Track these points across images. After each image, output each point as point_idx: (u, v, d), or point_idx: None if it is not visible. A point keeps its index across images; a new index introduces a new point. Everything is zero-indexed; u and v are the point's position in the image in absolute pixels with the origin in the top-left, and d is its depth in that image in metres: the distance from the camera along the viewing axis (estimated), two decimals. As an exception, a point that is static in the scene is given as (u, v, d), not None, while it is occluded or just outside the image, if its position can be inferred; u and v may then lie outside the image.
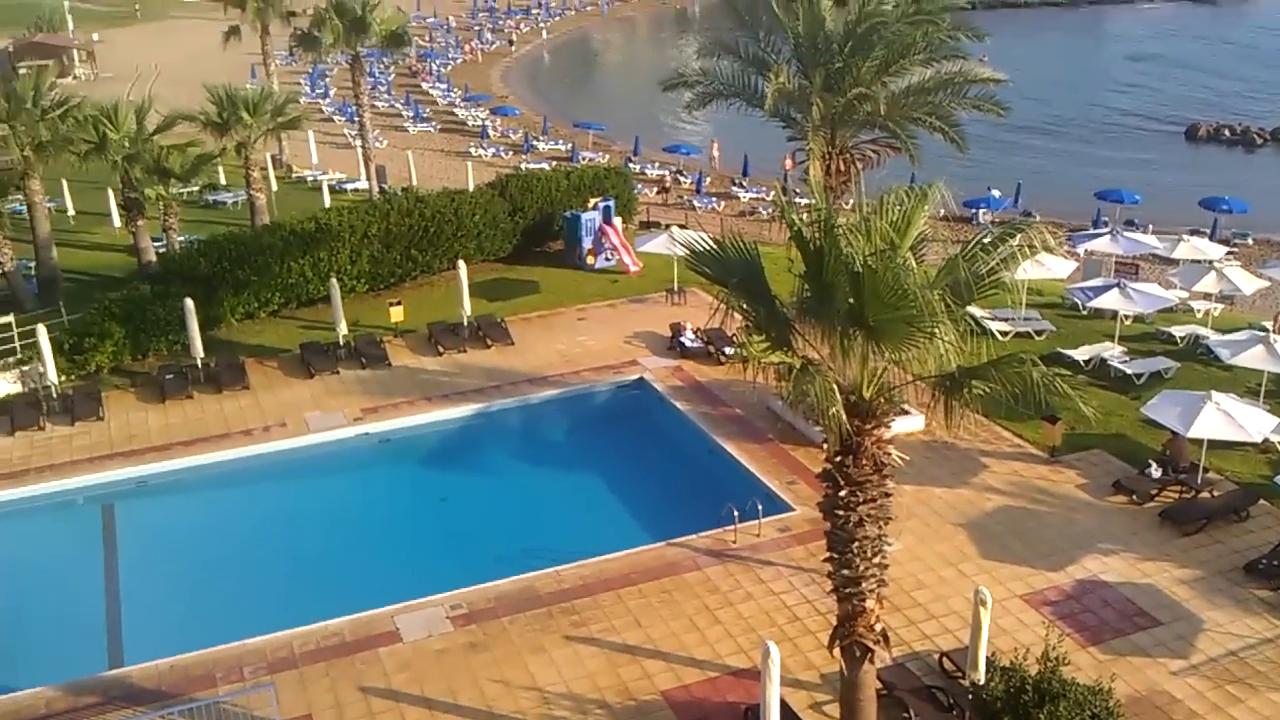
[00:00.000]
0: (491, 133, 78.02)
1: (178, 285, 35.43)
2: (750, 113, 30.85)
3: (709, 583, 23.28)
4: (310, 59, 65.22)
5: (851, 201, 26.57)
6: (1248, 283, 35.63)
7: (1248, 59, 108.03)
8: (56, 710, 20.21)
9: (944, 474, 27.26)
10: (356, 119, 54.61)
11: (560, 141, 75.52)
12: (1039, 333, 35.69)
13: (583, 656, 21.16)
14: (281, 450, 30.21)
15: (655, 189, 61.81)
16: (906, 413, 28.24)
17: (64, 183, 51.31)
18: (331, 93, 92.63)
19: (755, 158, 62.99)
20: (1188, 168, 71.39)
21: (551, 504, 28.19)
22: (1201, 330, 35.22)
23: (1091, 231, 44.49)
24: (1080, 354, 33.38)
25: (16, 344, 34.22)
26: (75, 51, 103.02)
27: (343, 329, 35.44)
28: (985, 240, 16.26)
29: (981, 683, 19.04)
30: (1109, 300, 33.30)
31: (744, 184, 62.55)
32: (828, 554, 17.21)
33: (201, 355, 33.86)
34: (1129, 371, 32.23)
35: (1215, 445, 26.24)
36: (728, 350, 32.92)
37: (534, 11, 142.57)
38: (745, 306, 16.44)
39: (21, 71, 41.90)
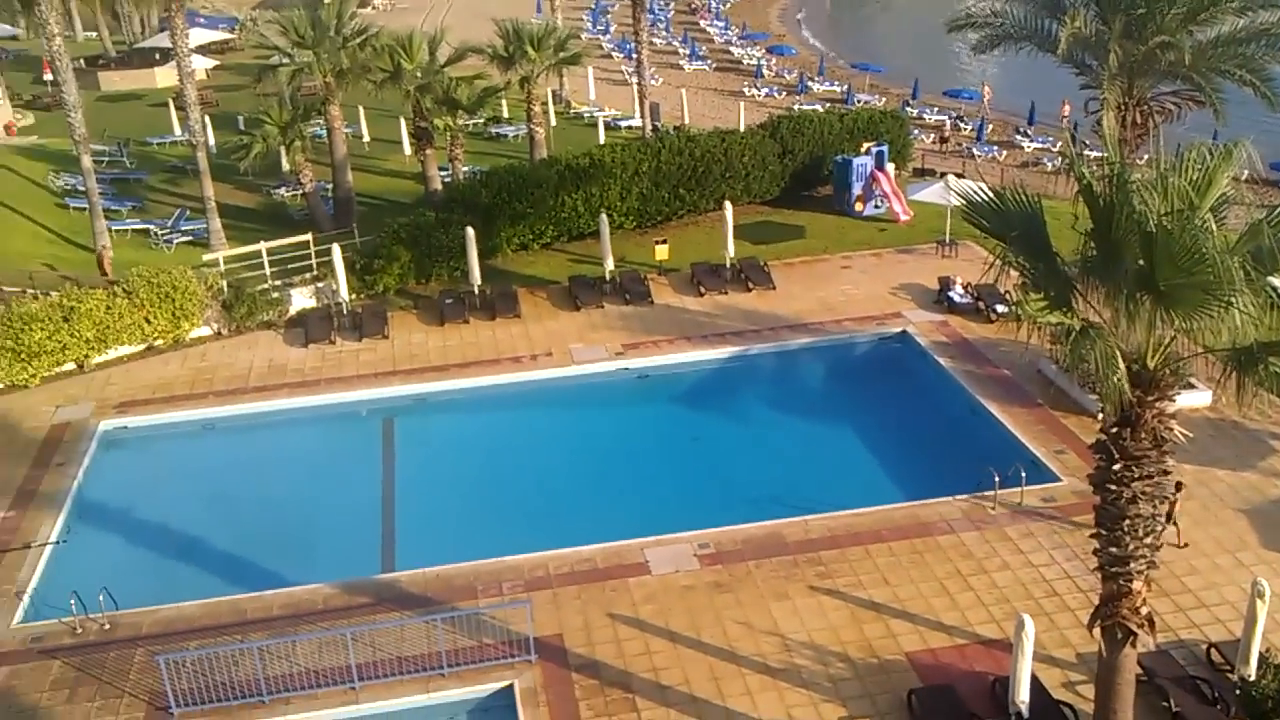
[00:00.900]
0: (766, 72, 77.25)
1: (460, 214, 36.99)
2: (1040, 58, 29.32)
3: (963, 547, 22.67)
4: (593, -5, 66.34)
5: (1147, 156, 24.87)
6: None
7: None
8: (333, 606, 21.82)
9: (1229, 455, 25.44)
10: (635, 56, 55.20)
11: (836, 83, 74.00)
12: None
13: (826, 608, 21.08)
14: (546, 379, 31.31)
15: (933, 136, 59.80)
16: (1193, 387, 26.46)
17: (361, 110, 54.22)
18: (611, 29, 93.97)
19: (1043, 105, 59.90)
20: None
21: (803, 452, 28.08)
22: None
23: None
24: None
25: (313, 261, 36.66)
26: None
27: (609, 264, 36.20)
28: (1296, 205, 14.88)
29: (1252, 679, 17.82)
30: None
31: (1028, 133, 59.58)
32: (1095, 530, 16.38)
33: (479, 283, 35.36)
34: None
35: None
36: (999, 308, 31.70)
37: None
38: (1023, 262, 15.68)
39: (326, 0, 44.39)
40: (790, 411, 30.50)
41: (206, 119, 48.50)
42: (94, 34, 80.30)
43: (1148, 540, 15.98)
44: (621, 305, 34.97)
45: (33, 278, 33.96)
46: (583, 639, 20.60)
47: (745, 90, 71.90)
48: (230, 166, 45.10)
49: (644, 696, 19.20)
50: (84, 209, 41.63)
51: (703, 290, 35.67)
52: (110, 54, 75.54)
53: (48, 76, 63.43)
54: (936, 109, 65.38)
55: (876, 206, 41.97)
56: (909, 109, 62.65)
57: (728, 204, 37.09)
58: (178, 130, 55.20)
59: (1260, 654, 18.16)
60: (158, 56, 70.26)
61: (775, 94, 71.52)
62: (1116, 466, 15.60)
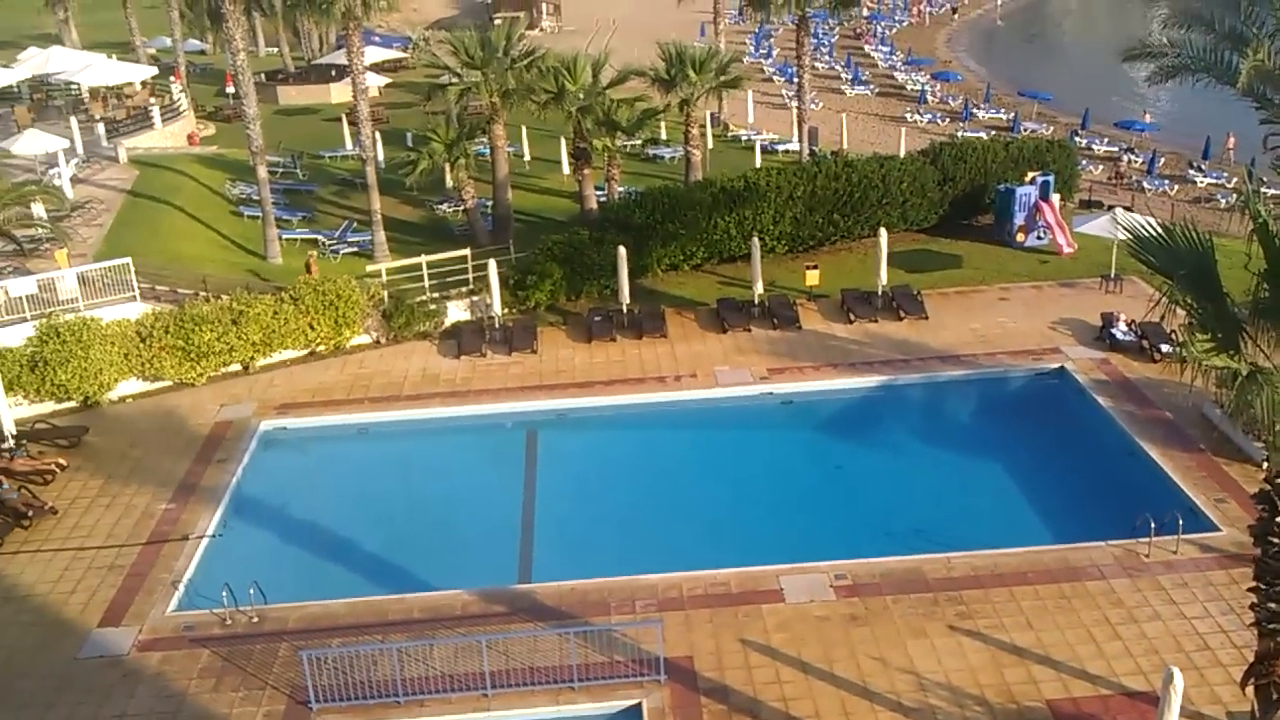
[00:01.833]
0: (930, 98, 76.14)
1: (613, 233, 37.39)
2: (1217, 90, 28.09)
3: (1113, 594, 21.79)
4: (759, 19, 66.45)
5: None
6: None
7: None
8: (470, 613, 22.23)
9: None
10: (796, 80, 55.06)
11: (1002, 110, 72.45)
12: None
13: (966, 649, 20.51)
14: (690, 400, 31.34)
15: (1103, 168, 57.97)
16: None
17: (523, 129, 55.33)
18: (774, 53, 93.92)
19: (1219, 139, 57.52)
20: None
21: (948, 487, 27.42)
22: None
23: None
24: None
25: (470, 275, 37.56)
26: (544, 4, 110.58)
27: (759, 288, 36.08)
28: None
29: None
30: None
31: (1202, 167, 57.25)
32: (1254, 583, 15.59)
33: (628, 301, 35.67)
34: None
35: None
36: (1164, 347, 30.45)
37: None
38: (1191, 302, 15.10)
39: (496, 21, 45.60)
40: (937, 444, 29.86)
41: (377, 135, 50.22)
42: (275, 50, 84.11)
43: (1313, 600, 15.14)
44: (769, 329, 34.81)
45: (206, 281, 35.66)
46: (713, 663, 20.50)
47: (907, 116, 71.01)
48: (397, 181, 46.61)
49: (772, 726, 19.00)
50: (257, 217, 43.62)
51: (852, 317, 35.23)
52: (289, 69, 79.01)
53: (230, 90, 66.72)
54: (1106, 140, 63.42)
55: (1039, 238, 40.81)
56: (1077, 139, 60.96)
57: (883, 231, 36.58)
58: (349, 145, 57.34)
59: None
60: (334, 73, 73.18)
61: (938, 120, 70.41)
62: (1281, 520, 14.84)
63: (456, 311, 36.49)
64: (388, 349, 34.83)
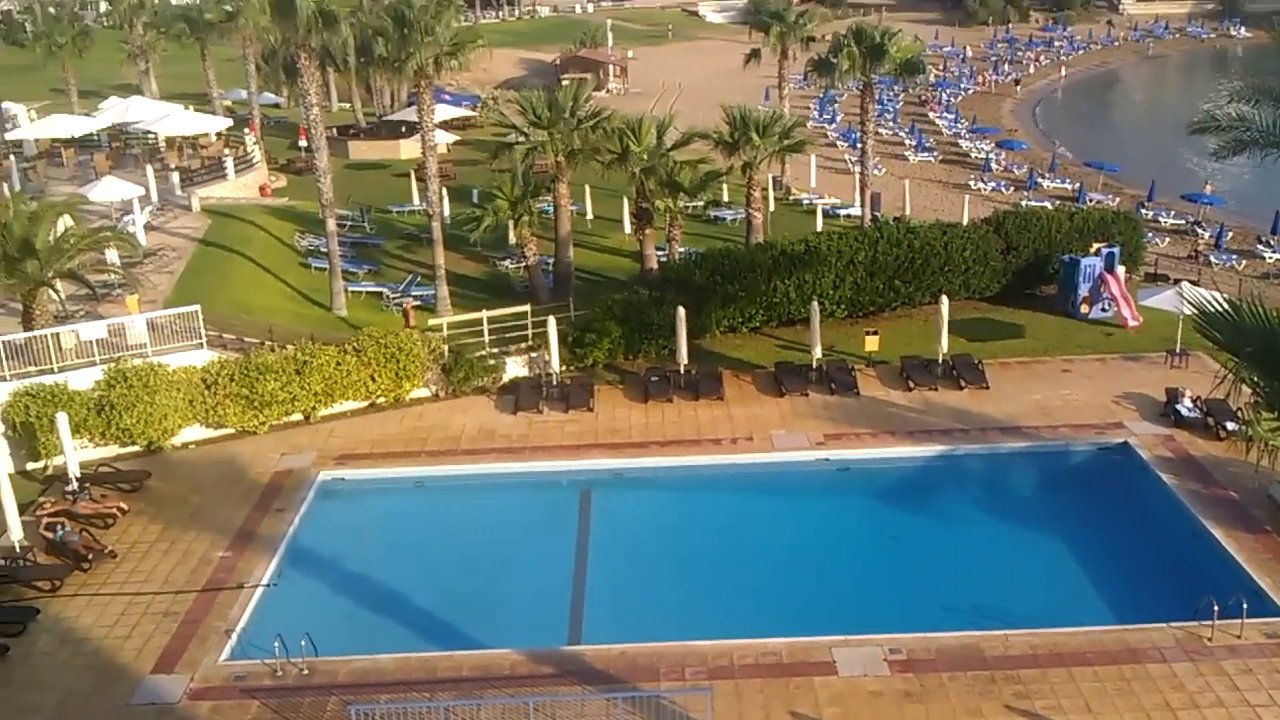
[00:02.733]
0: (994, 166, 75.91)
1: (673, 293, 37.51)
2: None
3: (1174, 679, 21.21)
4: (823, 84, 66.69)
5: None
6: None
7: None
8: (519, 674, 22.12)
9: None
10: (859, 145, 55.20)
11: (1067, 180, 72.03)
12: None
13: (1022, 730, 20.06)
14: (745, 463, 31.19)
15: (1169, 240, 57.32)
16: None
17: (586, 188, 55.96)
18: (838, 118, 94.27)
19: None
20: None
21: (1007, 562, 26.97)
22: None
23: None
24: None
25: (529, 331, 37.83)
26: (611, 66, 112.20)
27: (817, 352, 35.96)
28: None
29: None
30: None
31: (1271, 242, 56.41)
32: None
33: (685, 362, 35.70)
34: None
35: None
36: (1230, 425, 29.83)
37: (1056, 44, 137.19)
38: (1257, 379, 14.82)
39: (564, 82, 46.33)
40: (996, 518, 29.43)
41: (444, 191, 50.98)
42: (348, 105, 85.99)
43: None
44: (826, 394, 34.62)
45: (272, 331, 36.25)
46: (762, 734, 20.20)
47: (971, 183, 70.81)
48: (461, 237, 47.27)
49: (820, 802, 18.65)
50: (324, 269, 44.39)
51: (912, 385, 34.95)
52: (361, 124, 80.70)
53: (303, 143, 68.20)
54: (1173, 212, 62.76)
55: (1103, 310, 40.34)
56: (1143, 211, 60.38)
57: (944, 298, 36.38)
58: (416, 200, 58.30)
59: None
60: (404, 129, 74.55)
61: (1003, 188, 70.14)
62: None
63: (515, 367, 36.72)
64: (446, 403, 35.10)
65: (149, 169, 54.57)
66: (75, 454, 30.00)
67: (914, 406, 33.77)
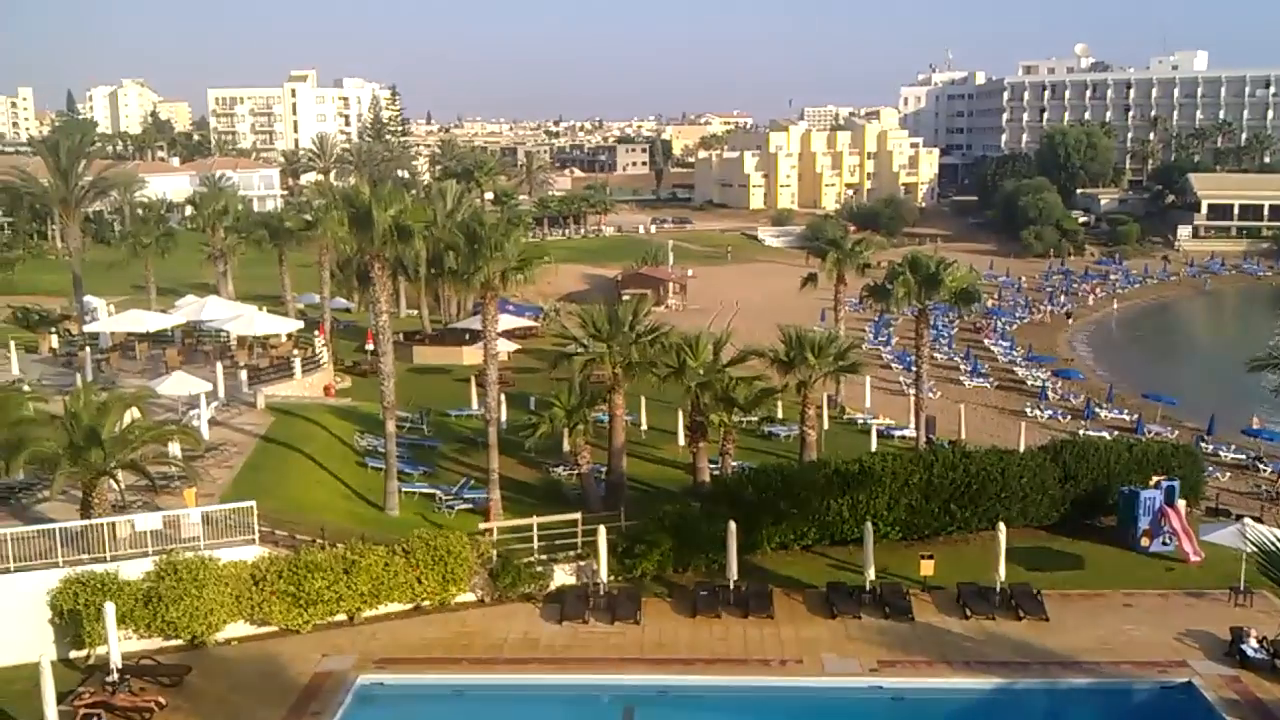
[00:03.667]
0: (1051, 394, 75.93)
1: (724, 508, 37.30)
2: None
3: None
4: (878, 308, 68.07)
5: None
6: None
7: None
8: None
9: None
10: (914, 368, 55.66)
11: (1125, 411, 71.77)
12: None
13: None
14: (794, 687, 30.25)
15: (1230, 475, 56.44)
16: None
17: (642, 399, 56.54)
18: (893, 341, 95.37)
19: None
20: None
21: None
22: None
23: None
24: None
25: (579, 539, 37.62)
26: (671, 284, 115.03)
27: (870, 574, 35.31)
28: None
29: None
30: None
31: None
32: None
33: (735, 578, 35.17)
34: None
35: None
36: (1300, 669, 28.65)
37: (1112, 277, 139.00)
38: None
39: (624, 297, 47.65)
40: (1056, 757, 28.14)
41: (502, 397, 51.77)
42: (415, 311, 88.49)
43: None
44: (880, 618, 33.78)
45: (324, 529, 36.37)
46: None
47: (1027, 410, 70.76)
48: (517, 443, 47.71)
49: None
50: (380, 469, 44.76)
51: (969, 613, 34.06)
52: (426, 330, 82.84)
53: (369, 346, 69.91)
54: (1234, 446, 62.00)
55: (1164, 544, 39.44)
56: (1203, 444, 59.73)
57: (1001, 525, 35.80)
58: (475, 405, 59.20)
59: None
60: (467, 336, 76.38)
61: (1059, 417, 69.98)
62: None
63: (562, 575, 36.38)
64: (491, 608, 34.70)
65: (218, 365, 56.01)
66: (119, 644, 29.80)
67: (971, 635, 32.81)
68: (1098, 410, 70.99)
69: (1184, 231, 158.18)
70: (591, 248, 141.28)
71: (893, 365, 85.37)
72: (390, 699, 30.17)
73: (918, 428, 53.81)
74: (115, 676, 28.83)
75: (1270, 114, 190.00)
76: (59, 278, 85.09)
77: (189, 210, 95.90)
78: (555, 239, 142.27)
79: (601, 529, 35.72)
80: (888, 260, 60.90)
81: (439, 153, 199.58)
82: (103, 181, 73.75)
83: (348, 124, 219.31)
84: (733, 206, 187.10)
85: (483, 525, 39.22)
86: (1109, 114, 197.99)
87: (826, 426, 56.71)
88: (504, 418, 51.88)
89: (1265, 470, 57.92)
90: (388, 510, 42.51)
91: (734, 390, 44.15)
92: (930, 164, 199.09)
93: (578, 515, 38.62)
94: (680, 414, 52.65)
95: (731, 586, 35.14)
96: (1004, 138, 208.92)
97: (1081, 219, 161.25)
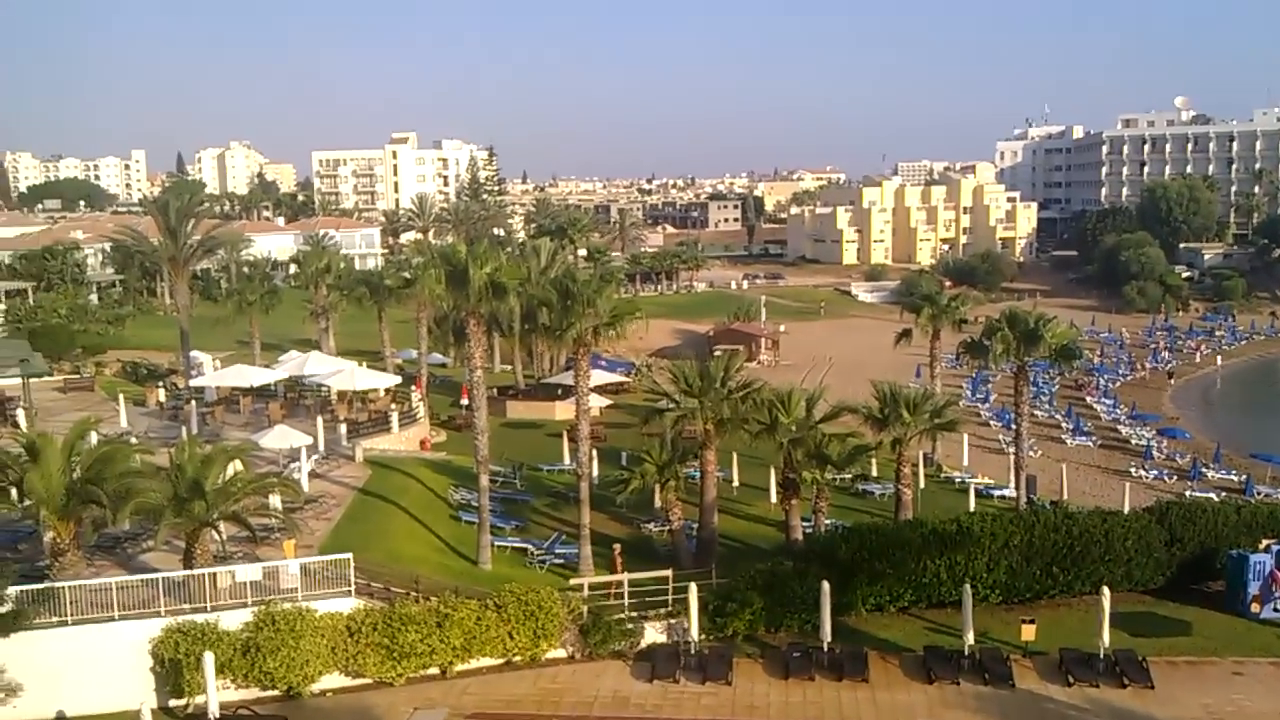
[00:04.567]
0: (1156, 454, 73.83)
1: (818, 567, 36.80)
2: None
3: None
4: (975, 365, 66.98)
5: None
6: None
7: None
8: None
9: None
10: (1013, 426, 54.56)
11: (1233, 471, 69.45)
12: None
13: None
14: (891, 753, 29.60)
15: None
16: None
17: (734, 455, 56.25)
18: (991, 398, 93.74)
19: None
20: None
21: None
22: None
23: None
24: None
25: (670, 596, 37.39)
26: (763, 339, 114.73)
27: (969, 638, 34.46)
28: None
29: None
30: None
31: None
32: None
33: (829, 639, 34.60)
34: None
35: None
36: None
37: (1218, 333, 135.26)
38: None
39: (716, 353, 47.67)
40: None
41: (594, 452, 51.94)
42: (509, 367, 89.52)
43: None
44: (979, 685, 32.90)
45: (418, 581, 36.71)
46: None
47: (1132, 470, 68.93)
48: (608, 498, 47.78)
49: None
50: (473, 523, 45.17)
51: (1071, 680, 33.01)
52: (520, 386, 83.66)
53: (464, 401, 70.83)
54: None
55: (1276, 610, 37.89)
56: (1319, 507, 57.40)
57: (1105, 589, 34.76)
58: (567, 459, 59.49)
59: None
60: (560, 392, 76.90)
61: (1164, 477, 68.04)
62: None
63: (653, 633, 36.13)
64: (581, 665, 34.59)
65: (319, 419, 57.20)
66: (217, 694, 30.34)
67: (1074, 704, 31.79)
68: (1204, 470, 68.83)
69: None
70: (683, 303, 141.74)
71: (991, 423, 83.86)
72: (481, 754, 30.17)
73: (1018, 487, 52.60)
74: (213, 726, 29.33)
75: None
76: (167, 333, 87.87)
77: (293, 268, 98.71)
78: (647, 295, 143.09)
79: (693, 586, 35.45)
80: (985, 316, 60.02)
81: (534, 211, 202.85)
82: (210, 240, 76.33)
83: (446, 184, 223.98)
84: (825, 262, 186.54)
85: (573, 580, 39.24)
86: (1211, 167, 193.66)
87: (923, 485, 55.81)
88: (596, 473, 52.00)
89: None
90: (480, 564, 42.79)
91: (827, 447, 43.72)
92: (1028, 218, 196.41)
93: (669, 572, 38.38)
94: (772, 470, 52.26)
95: (825, 648, 34.56)
96: (1103, 191, 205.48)
97: (1185, 274, 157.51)
